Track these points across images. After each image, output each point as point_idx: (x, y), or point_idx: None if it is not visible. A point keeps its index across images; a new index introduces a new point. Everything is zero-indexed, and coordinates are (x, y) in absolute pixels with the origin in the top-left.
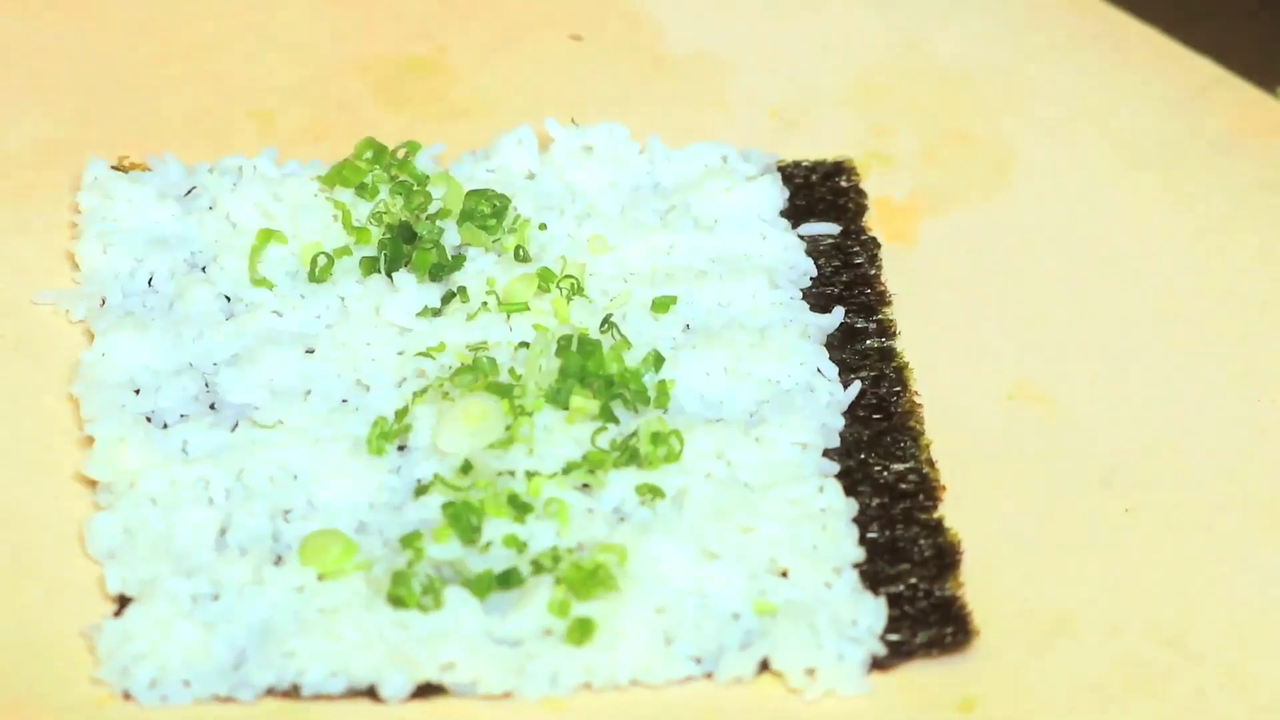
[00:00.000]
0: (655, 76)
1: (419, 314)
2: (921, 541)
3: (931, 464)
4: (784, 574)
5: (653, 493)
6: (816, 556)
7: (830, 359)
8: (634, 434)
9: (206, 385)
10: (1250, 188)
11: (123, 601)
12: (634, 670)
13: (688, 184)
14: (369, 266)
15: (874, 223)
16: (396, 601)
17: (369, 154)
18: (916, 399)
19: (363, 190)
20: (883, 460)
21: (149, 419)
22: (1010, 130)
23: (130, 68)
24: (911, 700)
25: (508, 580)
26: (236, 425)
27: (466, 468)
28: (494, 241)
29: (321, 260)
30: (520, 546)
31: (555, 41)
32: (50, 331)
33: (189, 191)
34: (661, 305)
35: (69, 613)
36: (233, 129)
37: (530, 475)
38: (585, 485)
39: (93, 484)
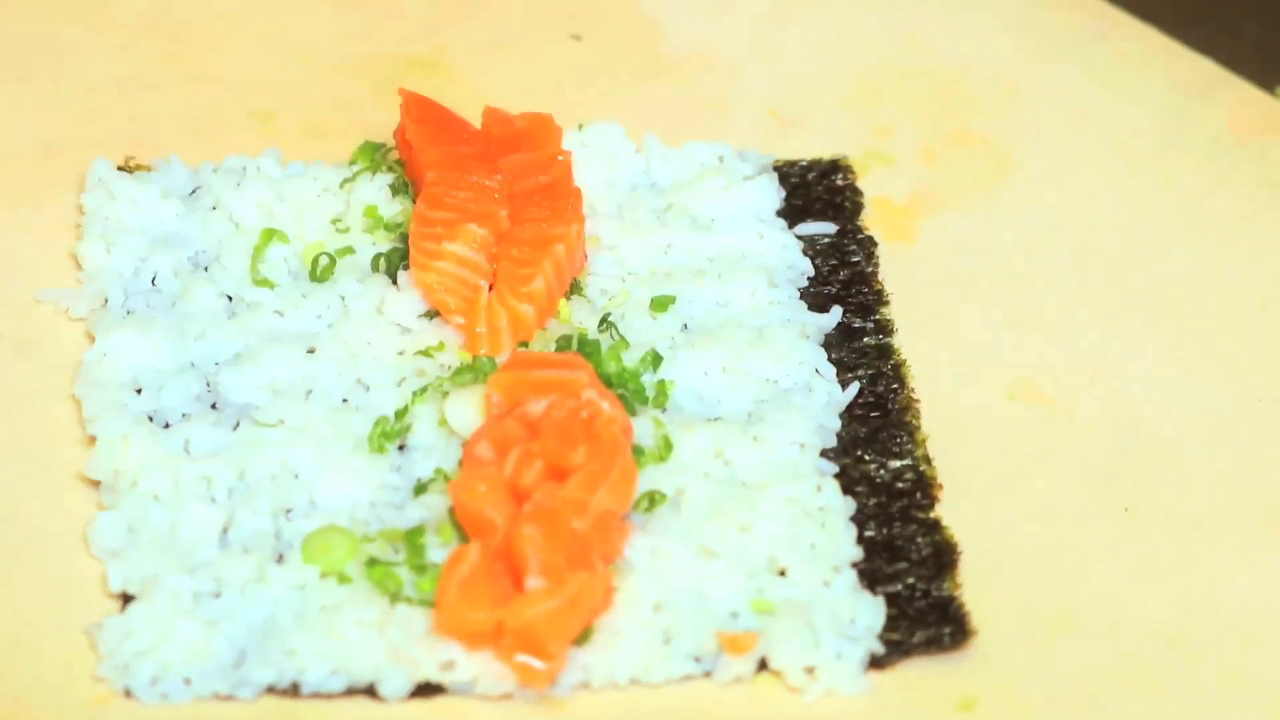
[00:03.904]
0: (654, 76)
1: (420, 314)
2: (919, 540)
3: (928, 460)
4: (782, 573)
5: (650, 496)
6: (815, 555)
7: (828, 358)
8: None
9: (208, 385)
10: (1250, 188)
11: (125, 599)
12: (633, 669)
13: (685, 183)
14: (373, 265)
15: (873, 222)
16: (395, 597)
17: (373, 154)
18: (914, 395)
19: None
20: (880, 456)
21: (151, 418)
22: (1010, 130)
23: (130, 68)
24: (910, 699)
25: None
26: (238, 424)
27: None
28: None
29: (323, 260)
30: None
31: (555, 41)
32: (53, 331)
33: (193, 191)
34: (660, 304)
35: (71, 611)
36: (233, 129)
37: None
38: None
39: (95, 483)
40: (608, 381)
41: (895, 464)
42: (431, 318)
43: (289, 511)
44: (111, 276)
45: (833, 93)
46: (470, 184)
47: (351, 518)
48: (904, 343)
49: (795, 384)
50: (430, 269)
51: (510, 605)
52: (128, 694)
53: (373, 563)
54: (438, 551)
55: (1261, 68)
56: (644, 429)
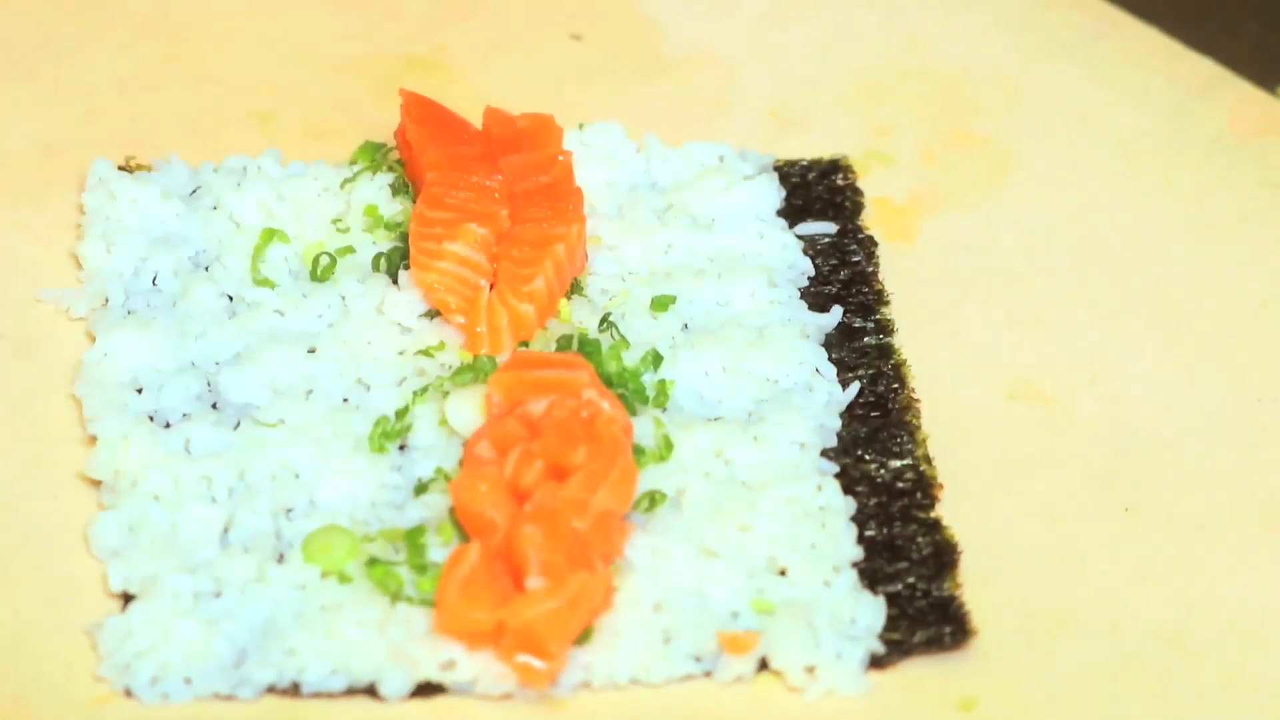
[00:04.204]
0: (654, 76)
1: (421, 313)
2: (919, 540)
3: (928, 460)
4: (783, 572)
5: (651, 496)
6: (815, 555)
7: (828, 358)
8: None
9: (209, 384)
10: (1250, 188)
11: (125, 599)
12: (633, 669)
13: (685, 183)
14: (373, 265)
15: (873, 222)
16: (395, 597)
17: (373, 154)
18: (914, 395)
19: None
20: (880, 456)
21: (151, 418)
22: (1010, 130)
23: (130, 68)
24: (910, 699)
25: None
26: (239, 424)
27: None
28: None
29: (324, 260)
30: None
31: (555, 41)
32: (53, 331)
33: (194, 191)
34: (660, 304)
35: (71, 611)
36: (233, 129)
37: None
38: None
39: (95, 483)
40: (608, 381)
41: (895, 464)
42: (432, 317)
43: (289, 511)
44: (112, 276)
45: (833, 93)
46: (470, 184)
47: (352, 517)
48: (904, 342)
49: (795, 384)
50: (431, 269)
51: (511, 605)
52: (128, 694)
53: (373, 562)
54: (438, 551)
55: (1261, 68)
56: (644, 429)
